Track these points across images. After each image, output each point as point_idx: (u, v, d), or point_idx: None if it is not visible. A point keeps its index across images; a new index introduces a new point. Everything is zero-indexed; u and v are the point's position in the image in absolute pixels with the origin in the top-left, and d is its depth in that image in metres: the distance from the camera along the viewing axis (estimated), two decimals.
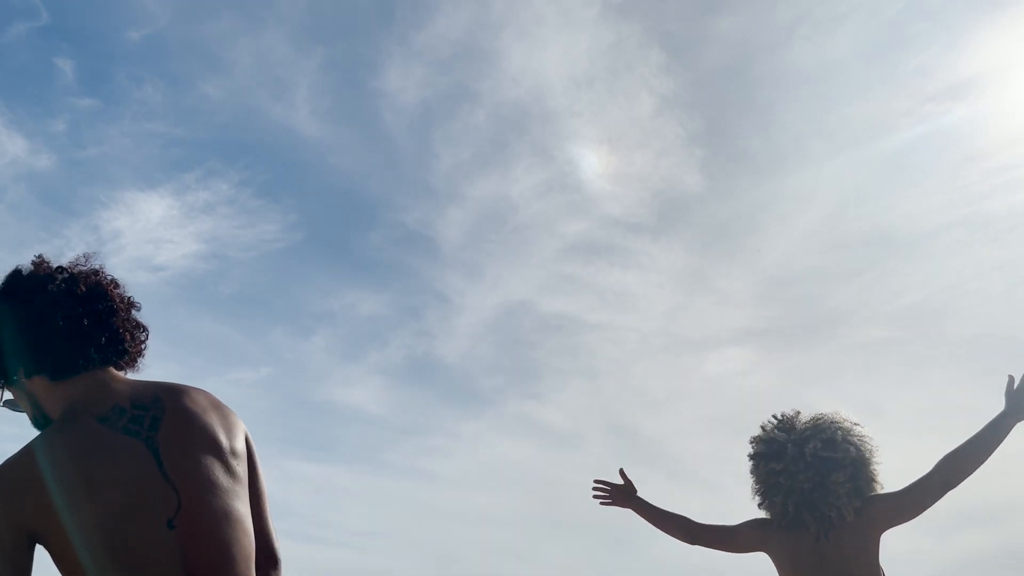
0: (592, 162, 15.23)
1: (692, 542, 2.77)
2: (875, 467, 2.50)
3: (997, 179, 14.03)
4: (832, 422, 2.55)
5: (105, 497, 1.34)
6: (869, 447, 2.52)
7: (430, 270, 16.47)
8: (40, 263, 1.53)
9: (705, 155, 15.66)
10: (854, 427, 2.56)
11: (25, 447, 1.39)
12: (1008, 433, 2.48)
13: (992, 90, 13.93)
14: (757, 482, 2.64)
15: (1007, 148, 13.62)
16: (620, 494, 2.93)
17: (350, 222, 16.50)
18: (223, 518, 1.40)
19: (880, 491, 2.49)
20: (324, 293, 14.97)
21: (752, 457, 2.68)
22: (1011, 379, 2.57)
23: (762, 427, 2.69)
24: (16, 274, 1.53)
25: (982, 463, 2.44)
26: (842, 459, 2.45)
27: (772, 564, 2.68)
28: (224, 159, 14.62)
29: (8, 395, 1.58)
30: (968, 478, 2.43)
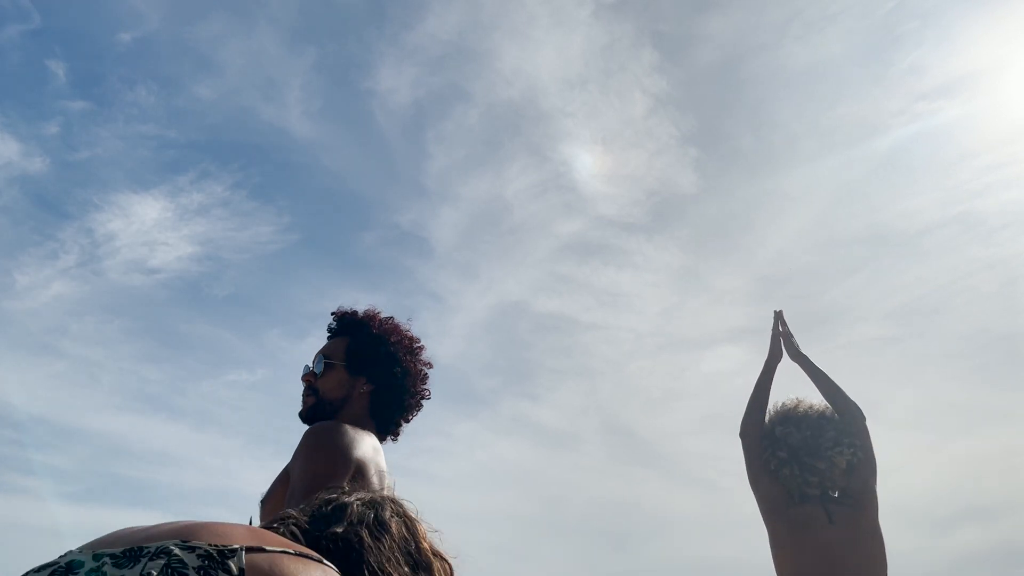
0: (586, 162, 15.21)
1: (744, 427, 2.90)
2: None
3: (989, 177, 14.06)
4: None
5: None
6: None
7: (424, 270, 16.43)
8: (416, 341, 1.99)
9: (699, 155, 15.66)
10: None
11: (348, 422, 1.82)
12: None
13: (984, 88, 13.96)
14: None
15: (999, 146, 13.65)
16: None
17: (344, 223, 16.44)
18: None
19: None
20: (318, 294, 14.91)
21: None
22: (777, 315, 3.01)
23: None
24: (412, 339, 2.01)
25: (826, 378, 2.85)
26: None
27: (769, 559, 2.64)
28: (217, 161, 14.55)
29: (324, 362, 1.92)
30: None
